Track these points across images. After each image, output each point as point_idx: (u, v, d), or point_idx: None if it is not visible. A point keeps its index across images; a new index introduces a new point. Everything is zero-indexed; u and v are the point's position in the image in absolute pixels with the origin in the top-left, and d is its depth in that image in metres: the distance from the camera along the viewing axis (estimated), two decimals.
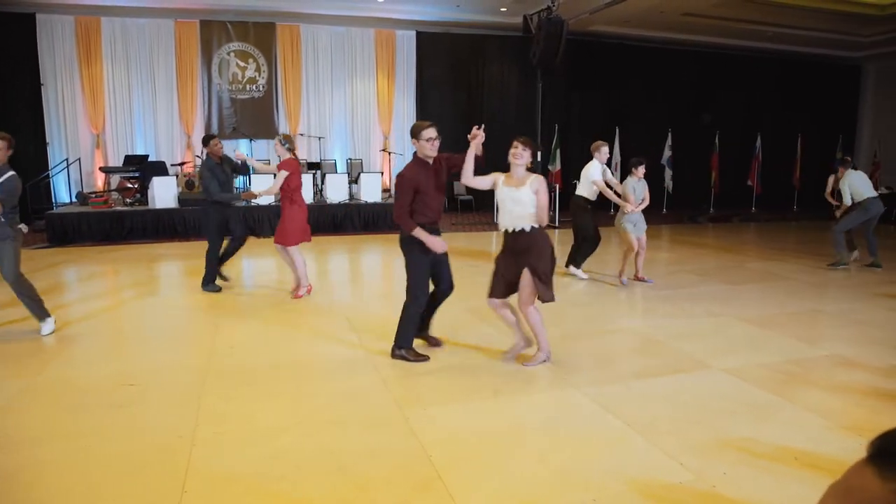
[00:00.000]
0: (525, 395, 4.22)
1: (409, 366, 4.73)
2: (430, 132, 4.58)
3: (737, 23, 14.96)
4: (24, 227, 5.55)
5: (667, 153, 16.26)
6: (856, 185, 8.64)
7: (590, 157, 7.61)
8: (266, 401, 4.11)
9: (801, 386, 4.42)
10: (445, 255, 4.83)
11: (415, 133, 4.61)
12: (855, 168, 9.04)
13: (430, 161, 4.66)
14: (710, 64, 17.69)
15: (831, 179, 9.36)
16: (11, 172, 5.21)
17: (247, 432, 3.64)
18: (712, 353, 5.07)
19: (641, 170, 7.48)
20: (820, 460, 3.29)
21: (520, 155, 4.54)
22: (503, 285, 4.68)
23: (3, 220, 5.31)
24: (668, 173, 16.21)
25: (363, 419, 3.82)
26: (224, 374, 4.57)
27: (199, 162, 13.63)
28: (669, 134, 16.22)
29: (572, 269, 8.05)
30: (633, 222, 7.43)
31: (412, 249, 4.66)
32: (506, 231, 4.59)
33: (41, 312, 5.57)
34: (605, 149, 7.68)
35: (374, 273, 9.64)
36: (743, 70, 18.18)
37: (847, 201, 8.64)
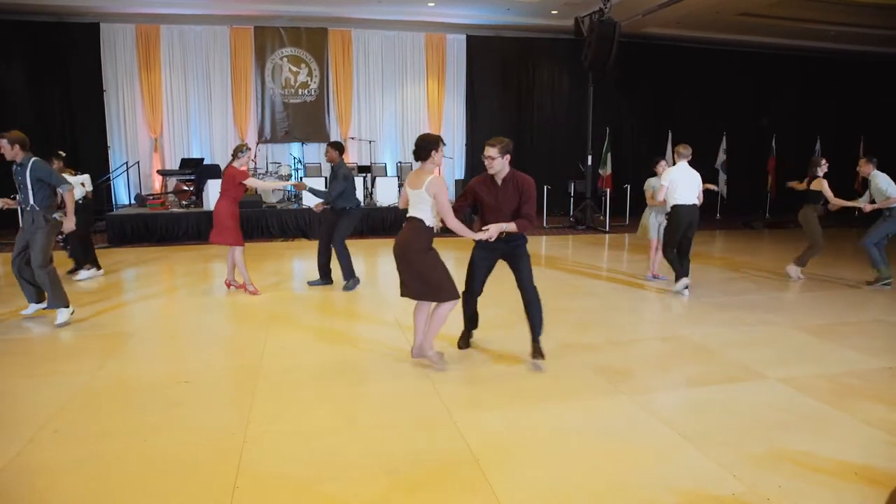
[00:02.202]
0: (575, 401, 4.18)
1: (459, 369, 4.74)
2: (485, 150, 4.59)
3: (796, 22, 14.53)
4: (58, 216, 5.89)
5: (721, 157, 15.92)
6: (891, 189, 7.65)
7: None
8: (316, 401, 4.17)
9: (862, 399, 4.26)
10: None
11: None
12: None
13: (495, 177, 4.67)
14: (766, 65, 17.23)
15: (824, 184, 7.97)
16: (34, 158, 5.74)
17: (297, 432, 3.70)
18: (767, 363, 4.93)
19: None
20: (882, 476, 3.17)
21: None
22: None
23: (37, 208, 5.69)
24: (723, 178, 15.85)
25: (412, 422, 3.84)
26: (275, 374, 4.66)
27: (252, 165, 13.95)
28: (724, 137, 15.87)
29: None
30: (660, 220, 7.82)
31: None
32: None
33: (60, 303, 5.94)
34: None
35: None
36: (801, 71, 17.65)
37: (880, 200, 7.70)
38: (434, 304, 4.57)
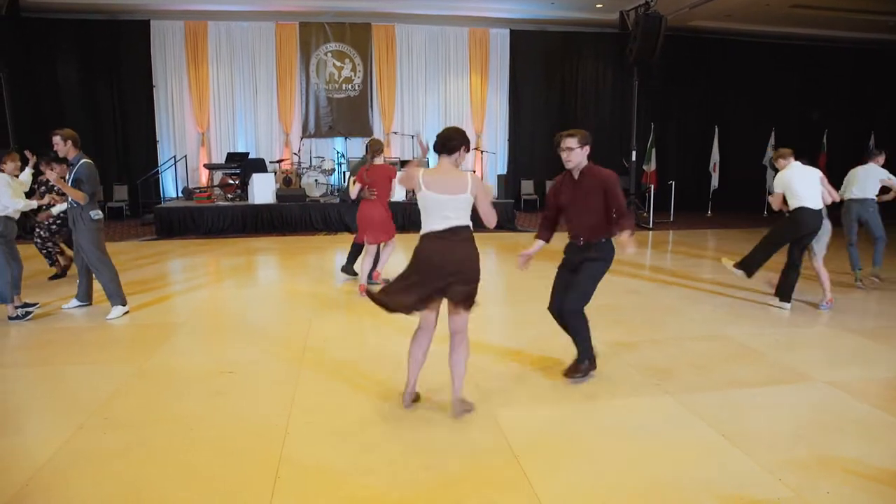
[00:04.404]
0: (617, 400, 4.13)
1: (498, 365, 4.72)
2: (562, 142, 4.21)
3: (852, 13, 14.05)
4: (93, 214, 5.96)
5: (769, 153, 15.52)
6: None
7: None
8: (356, 394, 4.20)
9: None
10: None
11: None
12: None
13: (572, 173, 4.30)
14: (817, 58, 16.69)
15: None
16: (84, 160, 5.88)
17: (338, 424, 3.73)
18: (816, 365, 4.80)
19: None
20: None
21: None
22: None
23: (75, 205, 5.86)
24: (771, 174, 15.46)
25: (452, 418, 3.83)
26: (317, 366, 4.72)
27: (296, 159, 14.14)
28: (772, 133, 15.48)
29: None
30: None
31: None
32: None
33: (117, 300, 6.12)
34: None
35: None
36: (854, 64, 17.06)
37: None
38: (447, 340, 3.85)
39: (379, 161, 6.87)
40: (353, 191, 6.90)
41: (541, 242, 4.48)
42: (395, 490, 3.01)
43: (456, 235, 3.67)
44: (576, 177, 4.29)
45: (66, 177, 5.91)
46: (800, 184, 6.29)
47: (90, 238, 5.94)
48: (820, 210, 6.27)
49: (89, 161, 5.93)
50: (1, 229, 5.88)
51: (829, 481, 3.10)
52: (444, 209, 3.66)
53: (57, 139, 5.79)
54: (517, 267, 4.40)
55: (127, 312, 6.16)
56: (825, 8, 13.67)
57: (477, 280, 3.72)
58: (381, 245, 7.06)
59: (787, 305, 6.44)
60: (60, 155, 5.90)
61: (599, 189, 4.20)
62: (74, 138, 5.86)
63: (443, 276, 3.64)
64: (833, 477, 3.14)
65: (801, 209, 6.24)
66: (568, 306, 4.32)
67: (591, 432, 3.66)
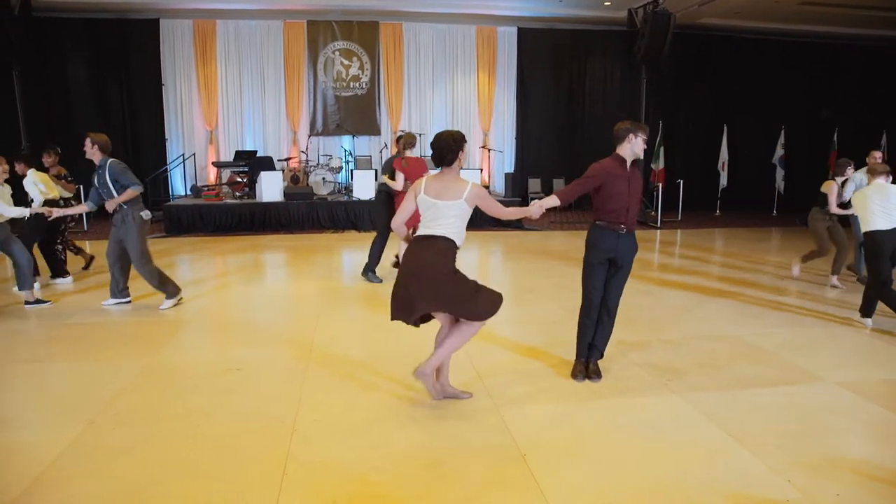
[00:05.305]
0: (624, 399, 4.11)
1: (505, 364, 4.71)
2: (644, 135, 4.38)
3: (861, 10, 13.95)
4: (144, 214, 6.16)
5: (779, 152, 15.44)
6: None
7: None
8: (364, 392, 4.21)
9: None
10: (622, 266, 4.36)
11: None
12: None
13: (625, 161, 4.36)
14: (828, 56, 16.57)
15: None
16: (111, 160, 6.02)
17: (345, 422, 3.74)
18: (826, 365, 4.77)
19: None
20: None
21: None
22: None
23: (125, 206, 6.03)
24: (780, 173, 15.38)
25: (458, 414, 3.84)
26: (324, 364, 4.72)
27: (304, 157, 14.15)
28: (782, 131, 15.40)
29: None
30: None
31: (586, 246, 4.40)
32: None
33: (170, 292, 6.39)
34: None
35: (468, 269, 9.66)
36: (864, 62, 16.91)
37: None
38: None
39: (410, 154, 6.95)
40: (399, 181, 6.87)
41: (557, 201, 4.27)
42: (401, 488, 3.01)
43: (431, 243, 3.69)
44: (628, 167, 4.36)
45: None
46: (872, 204, 5.86)
47: (138, 237, 6.10)
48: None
49: (115, 160, 6.06)
50: None
51: (838, 482, 3.07)
52: (437, 215, 3.70)
53: (87, 141, 5.99)
54: (530, 215, 4.23)
55: (181, 300, 6.46)
56: (834, 5, 13.57)
57: (451, 289, 3.70)
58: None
59: (868, 321, 5.94)
60: (87, 156, 6.02)
61: (639, 175, 4.44)
62: (102, 143, 6.01)
63: (409, 281, 3.73)
64: (842, 478, 3.12)
65: (870, 233, 5.87)
66: (616, 301, 4.42)
67: (598, 431, 3.65)
